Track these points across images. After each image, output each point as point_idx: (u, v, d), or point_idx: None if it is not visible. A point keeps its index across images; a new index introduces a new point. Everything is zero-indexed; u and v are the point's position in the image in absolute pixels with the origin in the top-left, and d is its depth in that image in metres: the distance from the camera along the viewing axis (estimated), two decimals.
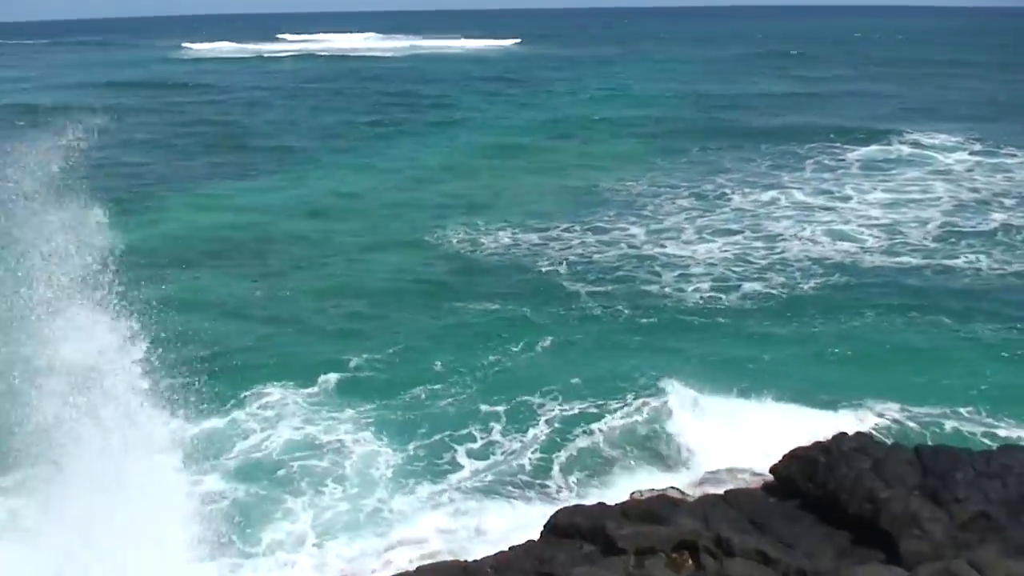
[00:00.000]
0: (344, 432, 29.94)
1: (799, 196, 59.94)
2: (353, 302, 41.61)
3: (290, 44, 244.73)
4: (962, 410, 30.02)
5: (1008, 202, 57.24)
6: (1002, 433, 28.59)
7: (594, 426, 29.76)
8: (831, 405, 30.34)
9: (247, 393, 32.48)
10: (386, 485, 27.20)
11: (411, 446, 29.18)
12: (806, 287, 42.16)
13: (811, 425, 27.85)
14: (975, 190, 60.64)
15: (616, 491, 25.43)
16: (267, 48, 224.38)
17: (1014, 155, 71.56)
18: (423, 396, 32.41)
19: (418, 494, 26.72)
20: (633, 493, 24.10)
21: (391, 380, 33.64)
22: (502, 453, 28.96)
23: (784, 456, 23.22)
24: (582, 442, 29.01)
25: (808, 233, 51.06)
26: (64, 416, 23.16)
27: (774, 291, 41.78)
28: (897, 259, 46.14)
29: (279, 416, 31.03)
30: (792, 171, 67.85)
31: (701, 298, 41.25)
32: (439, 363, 34.82)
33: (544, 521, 22.00)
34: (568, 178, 66.88)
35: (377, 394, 32.47)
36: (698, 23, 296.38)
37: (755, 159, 72.27)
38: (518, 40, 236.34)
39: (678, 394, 30.84)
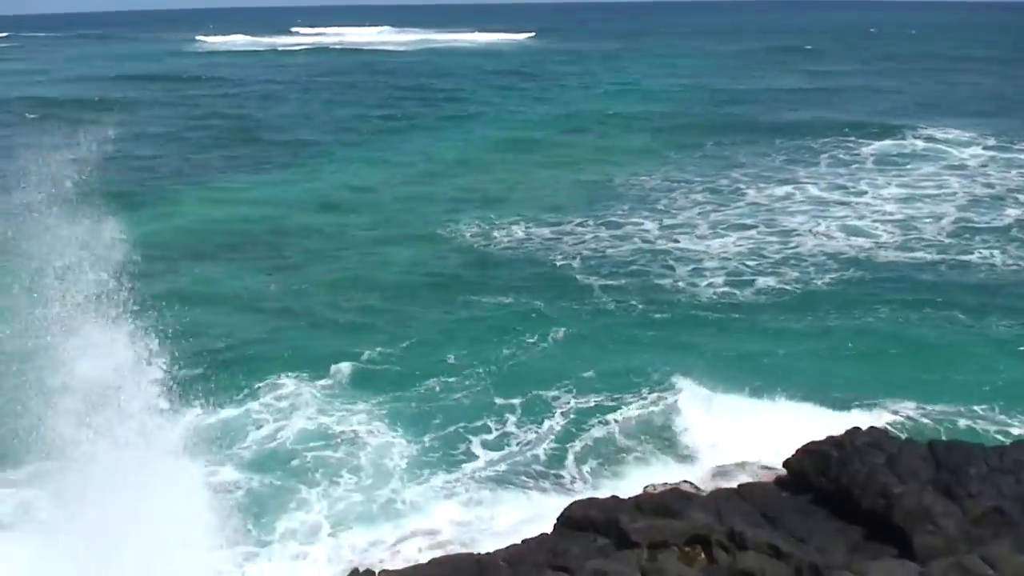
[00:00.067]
0: (358, 423, 30.05)
1: (814, 191, 59.84)
2: (367, 295, 41.68)
3: (304, 37, 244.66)
4: (976, 407, 29.93)
5: (1023, 197, 57.04)
6: (1016, 430, 28.50)
7: (607, 419, 29.81)
8: (844, 400, 30.30)
9: (261, 384, 32.62)
10: (400, 476, 27.30)
11: (425, 438, 29.29)
12: (820, 282, 42.09)
13: (824, 420, 27.84)
14: (989, 185, 60.46)
15: (630, 484, 25.47)
16: (281, 41, 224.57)
17: None
18: (437, 388, 32.50)
19: (432, 485, 26.81)
20: (647, 487, 24.16)
21: (405, 372, 33.73)
22: (517, 444, 29.09)
23: (797, 450, 23.25)
24: (596, 436, 29.04)
25: (823, 228, 50.97)
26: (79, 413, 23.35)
27: (788, 286, 41.72)
28: (912, 254, 46.03)
29: (293, 407, 31.15)
30: (807, 166, 67.73)
31: (715, 293, 41.21)
32: (452, 356, 34.91)
33: (557, 513, 22.07)
34: (582, 172, 66.86)
35: (391, 386, 32.57)
36: (710, 18, 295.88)
37: (769, 153, 72.14)
38: (532, 34, 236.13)
39: (691, 389, 30.88)
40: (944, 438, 25.62)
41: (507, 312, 39.33)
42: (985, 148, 72.83)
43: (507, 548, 21.15)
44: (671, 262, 45.57)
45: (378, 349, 35.60)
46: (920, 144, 74.70)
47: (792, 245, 47.90)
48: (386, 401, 31.46)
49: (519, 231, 51.20)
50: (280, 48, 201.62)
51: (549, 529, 21.77)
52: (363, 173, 67.69)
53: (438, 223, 52.99)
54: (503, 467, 27.76)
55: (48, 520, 23.15)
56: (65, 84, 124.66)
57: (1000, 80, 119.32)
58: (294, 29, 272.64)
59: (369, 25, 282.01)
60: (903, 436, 25.50)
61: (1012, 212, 53.58)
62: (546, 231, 51.20)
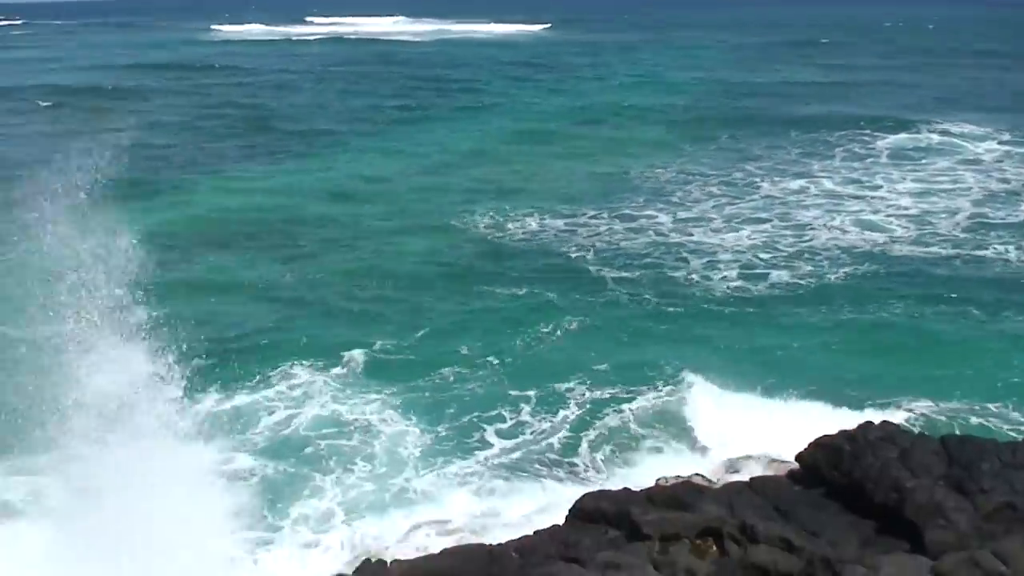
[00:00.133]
0: (371, 412, 30.21)
1: (828, 185, 59.70)
2: (381, 285, 41.75)
3: (318, 27, 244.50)
4: (989, 403, 29.89)
5: None
6: None
7: (620, 411, 29.89)
8: (857, 395, 30.31)
9: (276, 373, 32.79)
10: (414, 464, 27.44)
11: (439, 427, 29.44)
12: (834, 276, 42.03)
13: (837, 414, 27.90)
14: (1005, 180, 60.28)
15: (642, 476, 25.50)
16: (295, 31, 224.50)
17: None
18: (451, 378, 32.64)
19: (446, 474, 26.96)
20: (659, 479, 24.19)
21: (418, 362, 33.85)
22: (531, 432, 29.27)
23: (810, 444, 23.24)
24: (608, 428, 29.13)
25: (837, 222, 50.88)
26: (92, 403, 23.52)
27: (802, 280, 41.68)
28: (926, 249, 45.92)
29: (307, 395, 31.31)
30: (822, 159, 67.61)
31: (728, 286, 41.19)
32: (466, 346, 35.01)
33: (569, 503, 22.12)
34: (596, 164, 66.81)
35: (404, 375, 32.70)
36: (727, 10, 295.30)
37: (784, 147, 71.99)
38: (548, 25, 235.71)
39: (704, 382, 30.92)
40: (957, 433, 25.58)
41: (521, 303, 39.39)
42: (1000, 143, 72.62)
43: (519, 539, 21.21)
44: (685, 254, 45.57)
45: (392, 339, 35.73)
46: (935, 138, 74.48)
47: (806, 239, 47.85)
48: (400, 390, 31.58)
49: (533, 223, 51.21)
50: (295, 38, 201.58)
51: (561, 520, 21.81)
52: (378, 163, 67.74)
53: (452, 214, 53.03)
54: (517, 456, 27.95)
55: (63, 507, 23.27)
56: (79, 72, 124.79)
57: (1017, 75, 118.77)
58: (309, 18, 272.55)
59: (384, 15, 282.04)
60: (916, 431, 25.49)
61: None
62: (560, 223, 51.21)
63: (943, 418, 29.10)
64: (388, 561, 20.84)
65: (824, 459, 22.47)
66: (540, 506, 24.69)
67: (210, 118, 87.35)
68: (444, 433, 29.08)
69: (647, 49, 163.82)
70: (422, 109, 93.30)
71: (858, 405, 29.23)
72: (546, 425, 29.49)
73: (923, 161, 66.61)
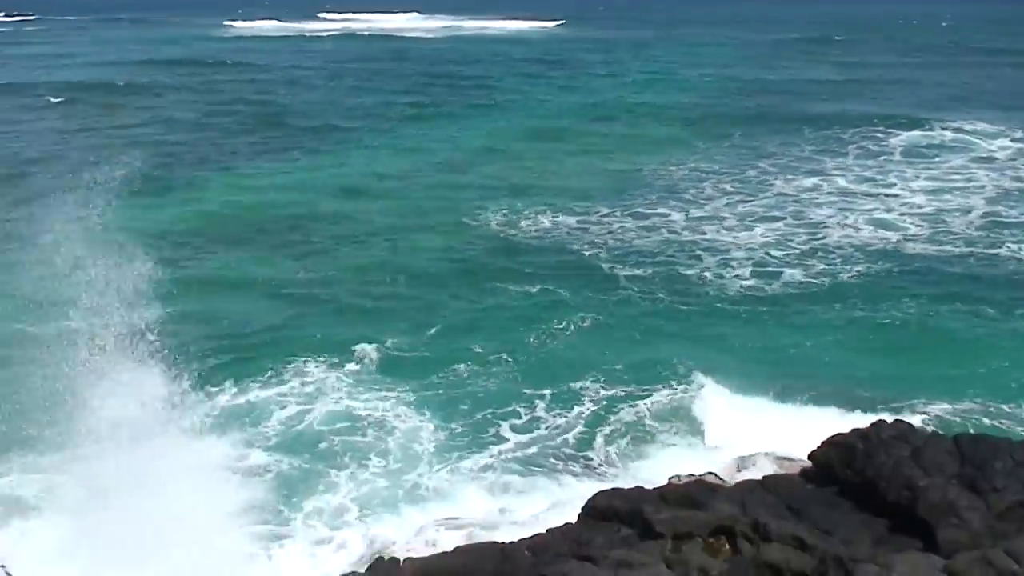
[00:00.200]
0: (386, 408, 30.32)
1: (842, 182, 59.60)
2: (394, 282, 41.84)
3: (332, 23, 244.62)
4: (1003, 402, 29.84)
5: None
6: None
7: (633, 410, 29.94)
8: (870, 393, 30.32)
9: (289, 369, 32.91)
10: (428, 460, 27.56)
11: (454, 423, 29.59)
12: (847, 275, 41.96)
13: (850, 412, 27.93)
14: (1018, 178, 60.11)
15: (654, 474, 25.51)
16: (309, 27, 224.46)
17: None
18: (465, 375, 32.73)
19: (460, 471, 27.06)
20: (671, 478, 24.19)
21: (432, 359, 33.94)
22: (546, 428, 29.41)
23: (822, 443, 23.23)
24: (621, 426, 29.16)
25: (851, 220, 50.80)
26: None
27: (815, 279, 41.63)
28: (940, 248, 45.84)
29: (320, 392, 31.42)
30: (835, 156, 67.51)
31: (741, 285, 41.15)
32: (479, 342, 35.09)
33: (582, 501, 22.16)
34: (609, 162, 66.78)
35: (418, 372, 32.81)
36: (742, 7, 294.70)
37: (798, 144, 71.85)
38: (561, 22, 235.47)
39: (716, 380, 30.94)
40: (970, 432, 25.55)
41: (533, 301, 39.44)
42: (1013, 140, 72.43)
43: (531, 537, 21.27)
44: (698, 252, 45.56)
45: (405, 336, 35.81)
46: (949, 135, 74.30)
47: (819, 237, 47.79)
48: (413, 387, 31.69)
49: (546, 220, 51.22)
50: (308, 34, 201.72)
51: (574, 518, 21.85)
52: (390, 160, 67.78)
53: (465, 211, 53.06)
54: (532, 451, 28.07)
55: (77, 503, 23.39)
56: (92, 68, 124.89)
57: None
58: (322, 14, 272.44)
59: (398, 11, 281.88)
60: (929, 429, 25.46)
61: None
62: (573, 220, 51.21)
63: (956, 416, 29.08)
64: (401, 559, 20.88)
65: (837, 457, 22.46)
66: (553, 503, 24.75)
67: (222, 114, 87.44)
68: (459, 429, 29.20)
69: (660, 46, 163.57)
70: (435, 106, 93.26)
71: (871, 403, 29.25)
72: (561, 421, 29.64)
73: (936, 159, 66.45)
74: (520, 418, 29.91)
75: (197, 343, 35.13)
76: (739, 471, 25.51)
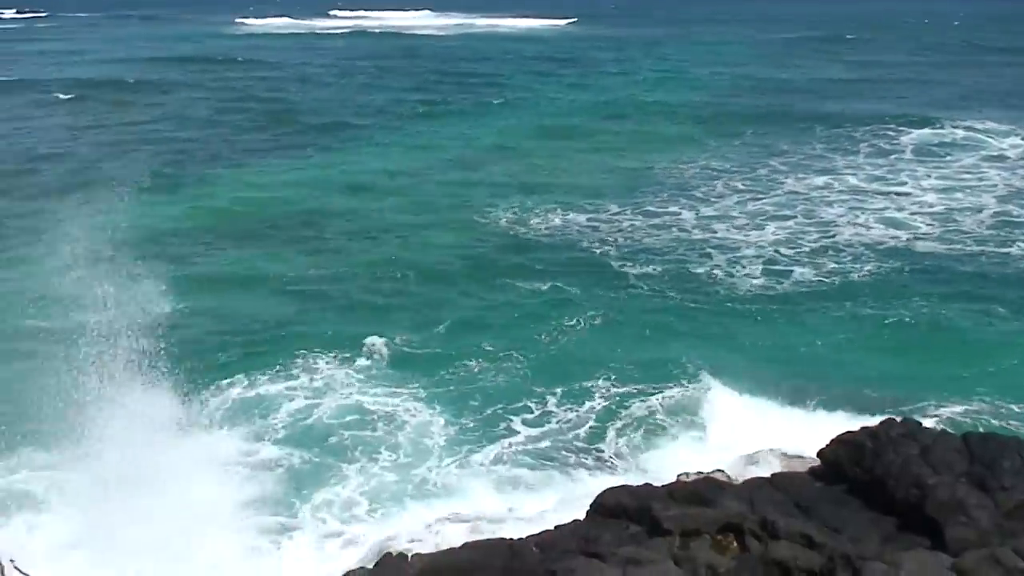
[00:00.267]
0: (396, 403, 30.46)
1: (853, 181, 59.44)
2: (404, 278, 41.90)
3: (343, 20, 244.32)
4: (1014, 403, 29.76)
5: None
6: None
7: (642, 408, 29.94)
8: (880, 391, 30.32)
9: (299, 365, 33.04)
10: (439, 454, 27.64)
11: (465, 418, 29.75)
12: (858, 274, 41.90)
13: (859, 410, 27.92)
14: None
15: (662, 472, 25.54)
16: (320, 24, 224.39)
17: None
18: (476, 370, 32.86)
19: (471, 463, 27.22)
20: (680, 475, 24.23)
21: (443, 355, 34.04)
22: (557, 422, 29.58)
23: (831, 440, 23.22)
24: (629, 424, 29.19)
25: (862, 219, 50.70)
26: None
27: (826, 278, 41.58)
28: (951, 246, 45.74)
29: (331, 387, 31.54)
30: (846, 154, 67.31)
31: (752, 283, 41.11)
32: (490, 339, 35.17)
33: (589, 498, 22.19)
34: (620, 159, 66.69)
35: (429, 368, 32.93)
36: (752, 5, 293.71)
37: (809, 142, 71.61)
38: (573, 20, 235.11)
39: (726, 378, 30.96)
40: (980, 431, 25.53)
41: (544, 298, 39.50)
42: None
43: (539, 534, 21.29)
44: (709, 250, 45.52)
45: (416, 332, 35.92)
46: (960, 133, 73.98)
47: (830, 235, 47.72)
48: (424, 383, 31.83)
49: (556, 218, 51.24)
50: (319, 31, 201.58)
51: (582, 514, 21.88)
52: (401, 157, 67.77)
53: (476, 208, 53.10)
54: (541, 447, 28.22)
55: (85, 498, 23.48)
56: (102, 65, 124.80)
57: None
58: (333, 12, 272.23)
59: (409, 8, 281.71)
60: (938, 428, 25.44)
61: None
62: (583, 218, 51.21)
63: (966, 415, 29.06)
64: (409, 556, 20.94)
65: (846, 455, 22.44)
66: (562, 499, 24.80)
67: (234, 112, 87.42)
68: (470, 424, 29.36)
69: (672, 44, 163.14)
70: (445, 103, 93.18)
71: (880, 401, 29.26)
72: (572, 415, 29.86)
73: (948, 157, 66.23)
74: (532, 413, 30.05)
75: (207, 338, 35.31)
76: (747, 468, 25.52)
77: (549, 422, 29.47)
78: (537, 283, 40.96)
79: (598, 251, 45.51)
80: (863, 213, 51.85)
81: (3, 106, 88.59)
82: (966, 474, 20.70)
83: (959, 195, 55.68)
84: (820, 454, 23.45)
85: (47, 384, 25.28)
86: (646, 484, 22.61)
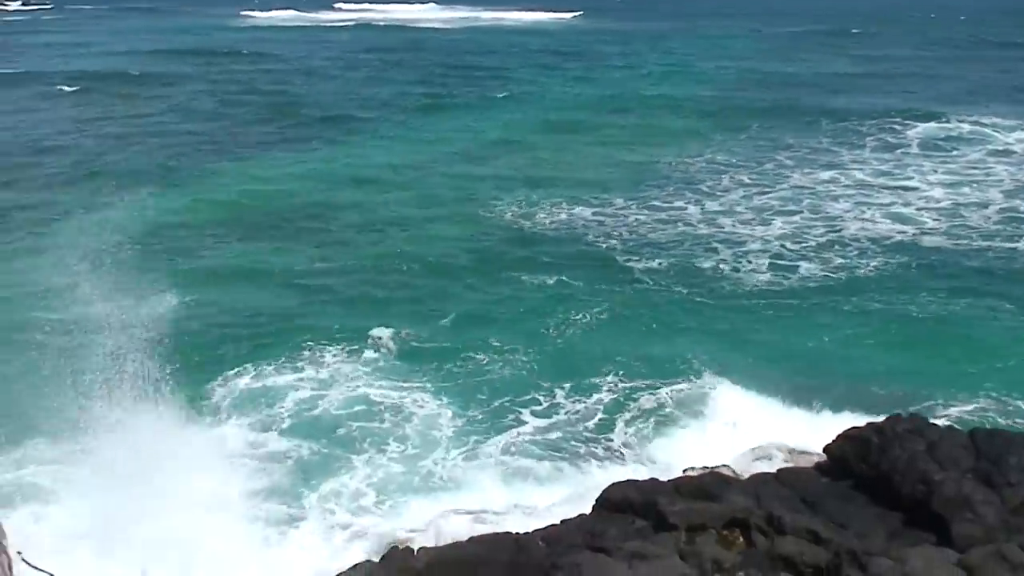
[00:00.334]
0: (404, 395, 30.50)
1: (859, 175, 59.41)
2: (410, 272, 41.94)
3: (348, 13, 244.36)
4: (1020, 400, 29.72)
5: None
6: None
7: (648, 402, 29.97)
8: (886, 387, 30.31)
9: (306, 357, 33.12)
10: (447, 446, 27.68)
11: (472, 410, 29.81)
12: (864, 270, 41.88)
13: (865, 406, 27.86)
14: None
15: (669, 466, 25.57)
16: (325, 17, 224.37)
17: None
18: (483, 363, 32.91)
19: (479, 454, 27.30)
20: (686, 470, 24.24)
21: (449, 348, 34.09)
22: (565, 413, 29.63)
23: (837, 436, 23.25)
24: (635, 418, 29.22)
25: (868, 214, 50.64)
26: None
27: (832, 273, 41.55)
28: (957, 242, 45.70)
29: (337, 379, 31.60)
30: (852, 148, 67.27)
31: (758, 278, 41.08)
32: (496, 332, 35.23)
33: (596, 493, 22.19)
34: (626, 153, 66.63)
35: (435, 361, 32.99)
36: None
37: (815, 136, 71.58)
38: (579, 13, 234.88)
39: (732, 373, 30.97)
40: (986, 427, 25.50)
41: (549, 292, 39.49)
42: None
43: (545, 528, 21.31)
44: (715, 245, 45.51)
45: (422, 325, 35.97)
46: (966, 128, 73.90)
47: (836, 230, 47.68)
48: (431, 375, 31.92)
49: (562, 212, 51.21)
50: (324, 24, 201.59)
51: (588, 509, 21.89)
52: (406, 151, 67.77)
53: (480, 202, 53.10)
54: (551, 437, 28.28)
55: (92, 489, 23.50)
56: (107, 57, 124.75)
57: None
58: (339, 4, 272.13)
59: (415, 1, 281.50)
60: (944, 424, 25.42)
61: None
62: (589, 212, 51.18)
63: (972, 411, 29.01)
64: (415, 550, 20.94)
65: (852, 451, 22.47)
66: (568, 493, 24.78)
67: (238, 104, 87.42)
68: (478, 416, 29.47)
69: (678, 38, 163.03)
70: (451, 97, 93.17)
71: (886, 397, 29.25)
72: (580, 407, 29.88)
73: (954, 152, 66.18)
74: (540, 404, 30.12)
75: (213, 330, 35.35)
76: (753, 464, 25.51)
77: (558, 413, 29.56)
78: (543, 277, 40.95)
79: (604, 245, 45.48)
80: (869, 208, 51.79)
81: (8, 98, 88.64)
82: (972, 470, 20.72)
83: (965, 190, 55.61)
84: (826, 449, 23.46)
85: (53, 377, 25.31)
86: (652, 479, 22.65)
